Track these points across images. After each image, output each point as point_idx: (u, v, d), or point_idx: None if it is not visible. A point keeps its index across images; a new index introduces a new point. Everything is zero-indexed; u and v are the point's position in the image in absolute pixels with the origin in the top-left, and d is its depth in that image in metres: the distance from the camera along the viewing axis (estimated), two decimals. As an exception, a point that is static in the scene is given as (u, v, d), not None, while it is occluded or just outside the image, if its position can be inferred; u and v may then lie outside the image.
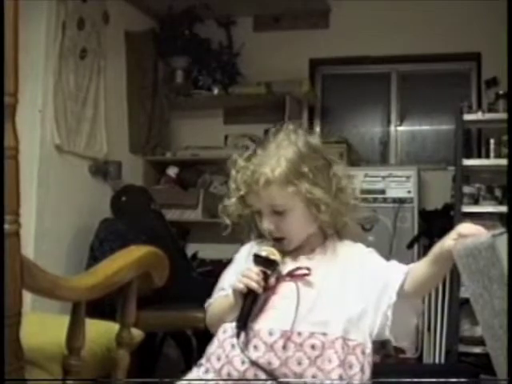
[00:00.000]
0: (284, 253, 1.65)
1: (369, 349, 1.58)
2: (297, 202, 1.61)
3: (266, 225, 1.63)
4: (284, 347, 1.52)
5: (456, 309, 4.26)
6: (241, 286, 1.57)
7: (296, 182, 1.59)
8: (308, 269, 1.61)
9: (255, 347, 1.54)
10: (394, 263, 1.64)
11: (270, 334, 1.54)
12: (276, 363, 1.52)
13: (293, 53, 5.28)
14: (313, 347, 1.53)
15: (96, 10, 4.42)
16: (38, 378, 1.60)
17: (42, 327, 1.84)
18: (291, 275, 1.61)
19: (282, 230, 1.63)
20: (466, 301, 3.85)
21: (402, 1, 5.07)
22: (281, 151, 1.62)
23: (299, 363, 1.52)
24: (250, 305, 1.56)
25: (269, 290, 1.60)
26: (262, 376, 1.51)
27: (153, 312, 3.52)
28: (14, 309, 1.35)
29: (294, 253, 1.67)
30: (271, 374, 1.51)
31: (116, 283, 1.71)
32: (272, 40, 5.36)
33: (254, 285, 1.56)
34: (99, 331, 1.87)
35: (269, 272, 1.59)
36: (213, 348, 1.61)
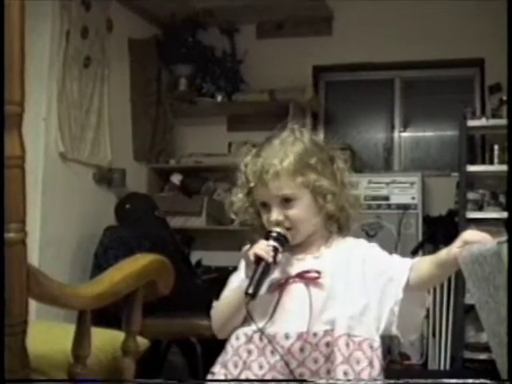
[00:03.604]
0: (291, 252, 1.67)
1: (377, 342, 1.58)
2: (304, 192, 1.65)
3: (275, 216, 1.64)
4: (301, 349, 1.55)
5: (461, 315, 4.26)
6: (251, 255, 1.59)
7: (304, 173, 1.64)
8: (318, 272, 1.62)
9: (272, 352, 1.56)
10: (397, 258, 1.66)
11: (287, 337, 1.56)
12: (293, 364, 1.54)
13: (296, 60, 5.29)
14: (327, 345, 1.55)
15: (99, 18, 4.43)
16: (40, 379, 1.59)
17: (47, 335, 1.84)
18: (301, 276, 1.63)
19: (290, 220, 1.64)
20: (471, 307, 3.84)
21: (406, 7, 5.08)
22: (287, 146, 1.68)
23: (315, 361, 1.55)
24: (260, 273, 1.56)
25: (279, 288, 1.61)
26: (281, 379, 1.54)
27: (157, 320, 3.52)
28: (20, 317, 1.35)
29: (301, 254, 1.68)
30: (289, 376, 1.53)
31: (122, 291, 1.71)
32: (275, 47, 5.37)
33: (263, 253, 1.57)
34: (105, 339, 1.87)
35: (278, 247, 1.60)
36: (228, 356, 1.62)
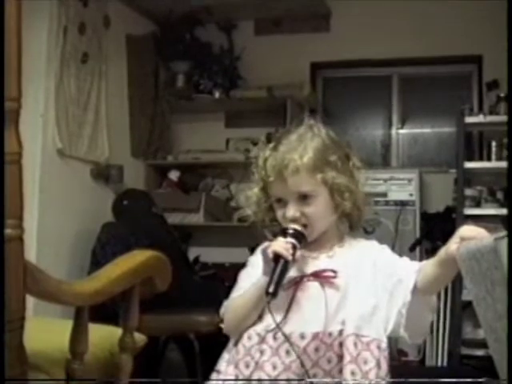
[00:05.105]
0: (304, 249, 1.65)
1: (384, 343, 1.58)
2: (323, 189, 1.64)
3: (292, 212, 1.63)
4: (316, 349, 1.54)
5: (458, 311, 4.26)
6: (270, 252, 1.57)
7: (323, 170, 1.63)
8: (334, 271, 1.61)
9: (287, 352, 1.55)
10: (406, 260, 1.65)
11: (302, 337, 1.55)
12: (308, 365, 1.53)
13: (294, 56, 5.29)
14: (340, 345, 1.55)
15: (97, 14, 4.43)
16: (39, 379, 1.59)
17: (44, 332, 1.83)
18: (316, 275, 1.62)
19: (307, 217, 1.63)
20: (469, 303, 3.85)
21: (403, 4, 5.08)
22: (306, 141, 1.65)
23: (329, 361, 1.54)
24: (280, 271, 1.54)
25: (294, 286, 1.60)
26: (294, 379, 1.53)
27: (155, 316, 3.52)
28: (17, 313, 1.35)
29: (315, 252, 1.67)
30: (303, 376, 1.52)
31: (119, 288, 1.70)
32: (273, 44, 5.37)
33: (282, 250, 1.56)
34: (102, 336, 1.87)
35: (296, 244, 1.59)
36: (240, 355, 1.59)
